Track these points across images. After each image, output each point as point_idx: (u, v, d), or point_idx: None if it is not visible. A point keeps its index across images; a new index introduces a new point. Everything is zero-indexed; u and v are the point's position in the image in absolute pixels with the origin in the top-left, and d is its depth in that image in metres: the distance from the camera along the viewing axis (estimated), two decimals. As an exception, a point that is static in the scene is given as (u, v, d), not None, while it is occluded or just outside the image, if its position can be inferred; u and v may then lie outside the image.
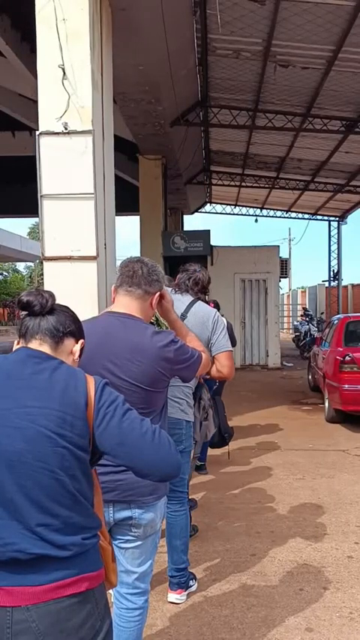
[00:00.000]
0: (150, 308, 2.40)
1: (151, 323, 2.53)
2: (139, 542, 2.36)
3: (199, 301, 3.44)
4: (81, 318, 1.80)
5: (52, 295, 1.68)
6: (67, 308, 1.75)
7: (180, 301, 3.29)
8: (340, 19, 8.00)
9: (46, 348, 1.66)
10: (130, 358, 2.25)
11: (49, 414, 1.53)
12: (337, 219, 22.80)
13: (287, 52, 9.22)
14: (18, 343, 1.70)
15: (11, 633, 1.46)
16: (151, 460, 1.63)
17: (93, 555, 1.60)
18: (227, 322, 4.70)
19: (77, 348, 1.72)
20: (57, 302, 1.72)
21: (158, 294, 2.41)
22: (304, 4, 7.73)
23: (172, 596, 3.44)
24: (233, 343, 3.56)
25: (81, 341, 1.74)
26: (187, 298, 3.44)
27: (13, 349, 1.70)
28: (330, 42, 8.71)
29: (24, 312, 1.69)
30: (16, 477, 1.50)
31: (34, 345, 1.66)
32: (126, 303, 2.38)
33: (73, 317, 1.74)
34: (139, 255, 15.04)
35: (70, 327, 1.70)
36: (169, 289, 3.40)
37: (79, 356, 1.74)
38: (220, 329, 3.35)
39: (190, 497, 3.92)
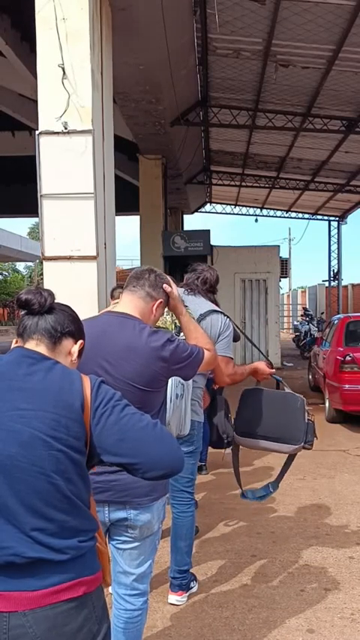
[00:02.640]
0: (150, 312, 2.39)
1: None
2: (136, 544, 2.34)
3: (216, 313, 3.40)
4: (80, 318, 1.77)
5: (51, 294, 1.65)
6: (68, 307, 1.72)
7: (194, 303, 3.26)
8: (340, 18, 8.00)
9: (43, 348, 1.63)
10: (125, 357, 2.24)
11: (43, 416, 1.50)
12: (337, 219, 22.80)
13: (287, 52, 9.21)
14: (16, 342, 1.67)
15: (8, 639, 1.44)
16: (155, 453, 1.60)
17: (90, 558, 1.57)
18: None
19: (75, 349, 1.69)
20: (57, 301, 1.69)
21: (160, 302, 2.41)
22: (305, 4, 7.72)
23: (173, 598, 3.42)
24: (237, 338, 3.53)
25: (80, 342, 1.70)
26: (201, 301, 3.41)
27: (11, 348, 1.67)
28: (330, 41, 8.71)
29: (23, 311, 1.67)
30: (10, 481, 1.47)
31: (31, 344, 1.63)
32: (127, 302, 2.39)
33: (73, 317, 1.70)
34: (139, 255, 14.85)
35: (69, 327, 1.67)
36: (181, 290, 3.39)
37: (78, 357, 1.70)
38: (225, 335, 3.34)
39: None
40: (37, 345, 1.63)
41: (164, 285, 2.43)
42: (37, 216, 5.46)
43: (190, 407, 3.27)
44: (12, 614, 1.44)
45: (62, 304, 1.71)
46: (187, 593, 3.47)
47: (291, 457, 3.48)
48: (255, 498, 3.58)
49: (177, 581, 3.42)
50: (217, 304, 3.65)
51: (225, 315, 3.45)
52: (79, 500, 1.54)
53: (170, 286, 2.47)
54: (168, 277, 2.50)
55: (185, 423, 3.26)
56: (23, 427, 1.49)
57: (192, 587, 3.52)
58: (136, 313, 2.35)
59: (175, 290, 2.51)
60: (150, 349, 2.24)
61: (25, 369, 1.57)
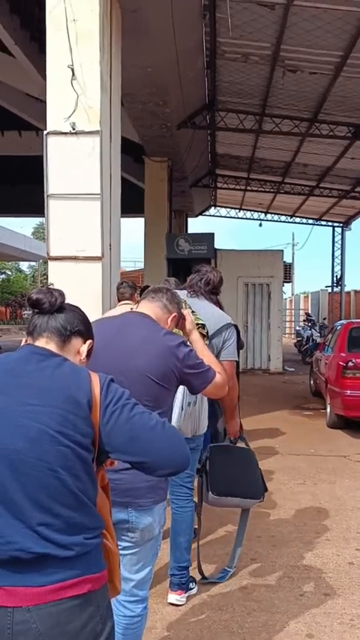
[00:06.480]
0: (165, 323, 2.47)
1: None
2: (136, 549, 2.33)
3: (228, 327, 3.48)
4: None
5: (61, 294, 1.68)
6: (77, 308, 1.74)
7: (197, 305, 3.29)
8: (349, 25, 8.01)
9: (52, 347, 1.64)
10: (140, 350, 2.29)
11: (51, 412, 1.51)
12: (342, 225, 22.77)
13: (296, 57, 9.23)
14: (26, 341, 1.69)
15: (12, 634, 1.44)
16: (164, 452, 1.62)
17: (95, 556, 1.58)
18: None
19: (84, 348, 1.70)
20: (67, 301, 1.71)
21: (175, 315, 2.50)
22: (314, 10, 7.74)
23: (173, 597, 3.42)
24: (241, 346, 3.56)
25: (89, 341, 1.72)
26: (205, 304, 3.46)
27: (21, 346, 1.69)
28: (339, 48, 8.72)
29: (29, 312, 1.68)
30: (18, 475, 1.48)
31: (41, 342, 1.65)
32: (145, 308, 2.48)
33: (83, 317, 1.73)
34: (143, 257, 14.92)
35: (78, 326, 1.69)
36: (184, 292, 3.41)
37: (87, 356, 1.72)
38: (230, 341, 3.43)
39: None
40: (46, 343, 1.65)
41: (183, 311, 2.58)
42: (42, 216, 5.48)
43: (206, 407, 3.34)
44: (16, 610, 1.45)
45: (72, 305, 1.73)
46: (187, 594, 3.46)
47: (244, 519, 3.72)
48: (214, 580, 3.71)
49: (176, 579, 3.42)
50: (220, 305, 3.66)
51: (234, 325, 3.49)
52: (86, 497, 1.55)
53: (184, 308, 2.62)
54: (182, 302, 2.64)
55: (200, 424, 3.35)
56: (31, 422, 1.50)
57: (191, 589, 3.52)
58: (154, 317, 2.45)
59: (190, 318, 2.64)
60: (166, 345, 2.30)
61: (34, 365, 1.58)
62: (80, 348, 1.70)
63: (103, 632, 1.55)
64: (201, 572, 3.68)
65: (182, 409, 3.16)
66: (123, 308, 4.31)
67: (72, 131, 5.26)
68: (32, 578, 1.47)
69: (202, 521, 4.56)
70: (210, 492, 3.40)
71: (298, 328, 24.53)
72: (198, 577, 3.68)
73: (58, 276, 5.34)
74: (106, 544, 1.64)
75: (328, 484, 5.77)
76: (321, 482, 5.84)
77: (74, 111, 5.24)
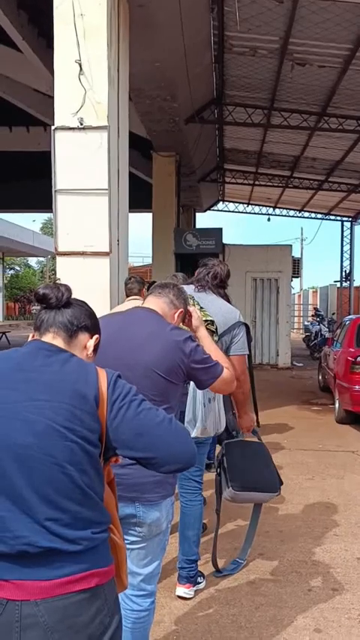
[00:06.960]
0: (172, 318, 2.47)
1: None
2: (144, 544, 2.33)
3: (239, 325, 3.49)
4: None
5: (68, 289, 1.68)
6: (84, 303, 1.74)
7: (205, 300, 3.28)
8: (358, 17, 7.94)
9: (59, 342, 1.65)
10: (146, 344, 2.30)
11: (59, 407, 1.52)
12: (351, 219, 22.67)
13: (304, 51, 9.16)
14: (33, 336, 1.69)
15: (20, 627, 1.45)
16: (171, 448, 1.62)
17: (103, 550, 1.59)
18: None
19: (91, 343, 1.71)
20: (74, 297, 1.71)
21: (181, 311, 2.51)
22: (323, 2, 7.67)
23: (181, 590, 3.43)
24: (248, 340, 3.55)
25: (95, 336, 1.73)
26: (213, 298, 3.46)
27: (28, 341, 1.69)
28: (348, 40, 8.65)
29: (37, 307, 1.69)
30: (25, 471, 1.49)
31: (48, 337, 1.66)
32: (152, 303, 2.49)
33: (89, 312, 1.73)
34: (150, 252, 14.95)
35: (85, 321, 1.70)
36: (191, 287, 3.41)
37: (94, 351, 1.72)
38: (239, 336, 3.43)
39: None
40: (53, 339, 1.66)
41: (189, 307, 2.59)
42: (49, 211, 5.49)
43: (222, 405, 3.35)
44: (24, 603, 1.46)
45: (79, 300, 1.74)
46: (195, 588, 3.47)
47: (256, 513, 3.76)
48: (226, 572, 3.76)
49: (185, 572, 3.43)
50: (227, 299, 3.65)
51: (243, 324, 3.48)
52: (93, 492, 1.55)
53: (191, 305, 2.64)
54: (189, 300, 2.66)
55: (221, 421, 3.35)
56: (38, 417, 1.51)
57: (199, 583, 3.54)
58: (160, 313, 2.45)
59: (196, 315, 2.65)
60: (172, 340, 2.30)
61: (41, 361, 1.59)
62: (87, 343, 1.70)
63: (111, 625, 1.56)
64: (216, 566, 3.69)
65: (205, 406, 3.17)
66: (131, 303, 4.31)
67: (80, 126, 5.25)
68: (40, 572, 1.48)
69: (210, 515, 4.57)
70: (230, 488, 3.40)
71: (306, 323, 24.44)
72: (206, 572, 3.69)
73: (66, 272, 5.35)
74: (113, 538, 1.65)
75: (336, 479, 5.76)
76: (329, 477, 5.83)
77: (82, 106, 5.24)
